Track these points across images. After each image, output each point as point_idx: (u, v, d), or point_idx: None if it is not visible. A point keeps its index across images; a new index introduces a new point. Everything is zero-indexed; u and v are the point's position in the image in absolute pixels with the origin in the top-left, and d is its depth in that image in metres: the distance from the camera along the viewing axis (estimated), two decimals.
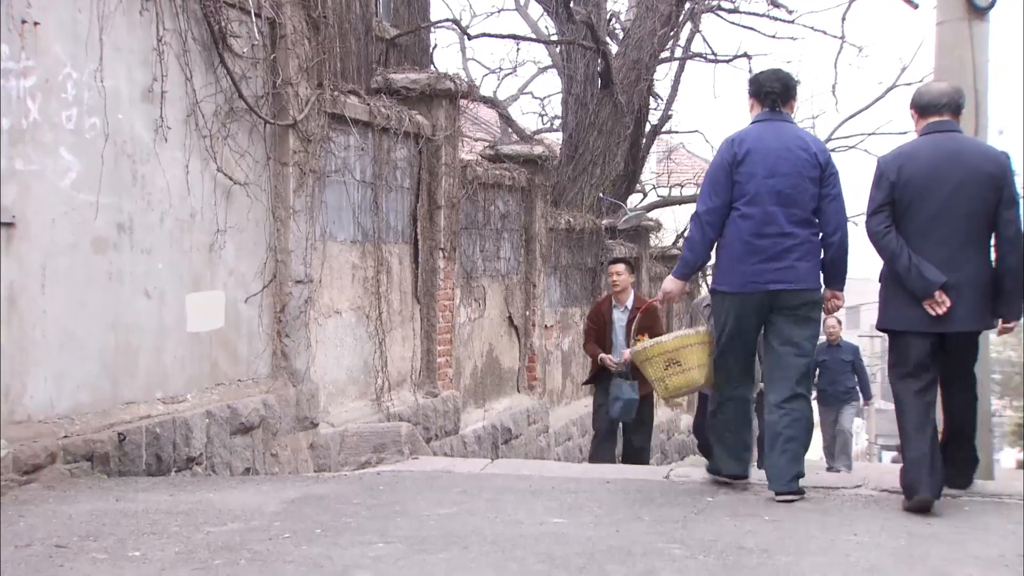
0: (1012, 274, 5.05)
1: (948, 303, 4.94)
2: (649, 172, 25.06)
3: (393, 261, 8.79)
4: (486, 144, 13.29)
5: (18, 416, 5.12)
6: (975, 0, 6.56)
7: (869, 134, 21.95)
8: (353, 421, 7.72)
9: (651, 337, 5.91)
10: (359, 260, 8.25)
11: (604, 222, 14.57)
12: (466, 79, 10.28)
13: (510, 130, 18.21)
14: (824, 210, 5.35)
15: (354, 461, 6.54)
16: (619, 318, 9.45)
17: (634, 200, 22.09)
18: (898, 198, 5.10)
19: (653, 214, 21.41)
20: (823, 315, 5.63)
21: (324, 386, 7.63)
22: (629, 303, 9.47)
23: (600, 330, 9.52)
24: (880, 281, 5.28)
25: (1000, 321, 5.15)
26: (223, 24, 6.51)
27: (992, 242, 5.10)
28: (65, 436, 5.28)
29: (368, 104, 8.31)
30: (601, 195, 14.58)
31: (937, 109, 5.24)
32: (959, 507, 4.68)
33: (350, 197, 8.12)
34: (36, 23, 5.16)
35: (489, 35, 14.74)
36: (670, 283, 5.70)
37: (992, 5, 6.58)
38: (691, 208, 20.17)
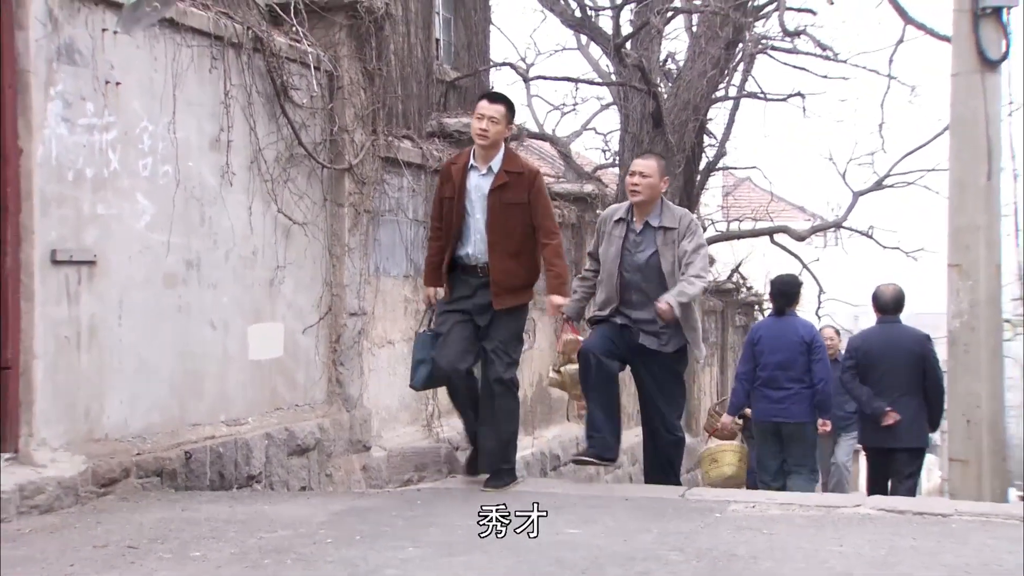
0: (934, 411, 8.40)
1: (898, 416, 8.27)
2: (715, 206, 25.42)
3: None
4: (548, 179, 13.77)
5: (97, 435, 5.71)
6: (987, 54, 6.95)
7: (929, 170, 21.93)
8: (405, 445, 8.23)
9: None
10: (411, 294, 8.78)
11: None
12: (518, 123, 10.74)
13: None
14: (812, 369, 8.48)
15: (397, 479, 7.05)
16: (478, 185, 6.44)
17: None
18: (860, 365, 8.54)
19: (714, 248, 21.76)
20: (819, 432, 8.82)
21: (377, 412, 8.15)
22: (496, 164, 6.39)
23: (452, 201, 6.48)
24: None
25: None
26: (285, 78, 7.11)
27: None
28: (138, 453, 5.85)
29: (421, 148, 8.87)
30: None
31: (887, 310, 8.57)
32: (947, 524, 5.06)
33: (403, 235, 8.67)
34: (118, 83, 5.79)
35: (544, 77, 15.30)
36: (726, 418, 9.24)
37: (1004, 58, 6.96)
38: (750, 242, 20.39)
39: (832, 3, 14.19)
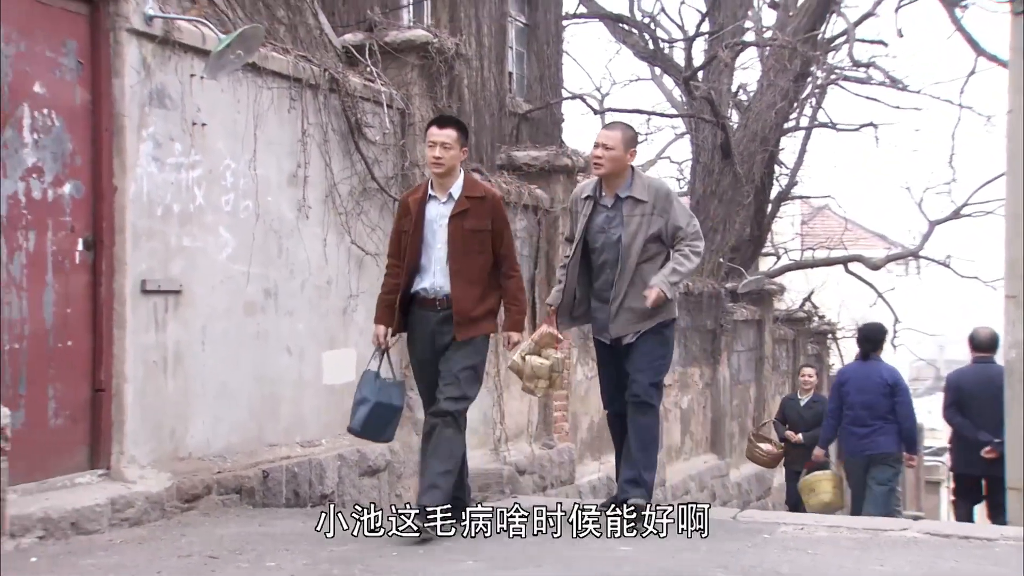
0: None
1: (995, 454, 8.70)
2: (791, 234, 25.47)
3: None
4: None
5: (181, 454, 6.11)
6: None
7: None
8: (471, 467, 8.51)
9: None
10: None
11: (728, 285, 15.18)
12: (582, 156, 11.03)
13: None
14: (896, 410, 9.28)
15: None
16: (438, 214, 5.87)
17: (768, 263, 22.56)
18: (957, 400, 9.34)
19: (788, 277, 21.77)
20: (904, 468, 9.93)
21: None
22: (456, 190, 5.87)
23: (410, 234, 5.86)
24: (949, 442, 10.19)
25: None
26: (359, 116, 7.50)
27: None
28: (219, 472, 6.24)
29: (489, 180, 9.19)
30: (721, 259, 15.17)
31: (983, 349, 9.40)
32: (991, 548, 5.19)
33: None
34: (203, 124, 6.22)
35: (614, 110, 15.65)
36: (818, 451, 10.29)
37: None
38: (825, 270, 20.36)
39: (902, 35, 14.31)
